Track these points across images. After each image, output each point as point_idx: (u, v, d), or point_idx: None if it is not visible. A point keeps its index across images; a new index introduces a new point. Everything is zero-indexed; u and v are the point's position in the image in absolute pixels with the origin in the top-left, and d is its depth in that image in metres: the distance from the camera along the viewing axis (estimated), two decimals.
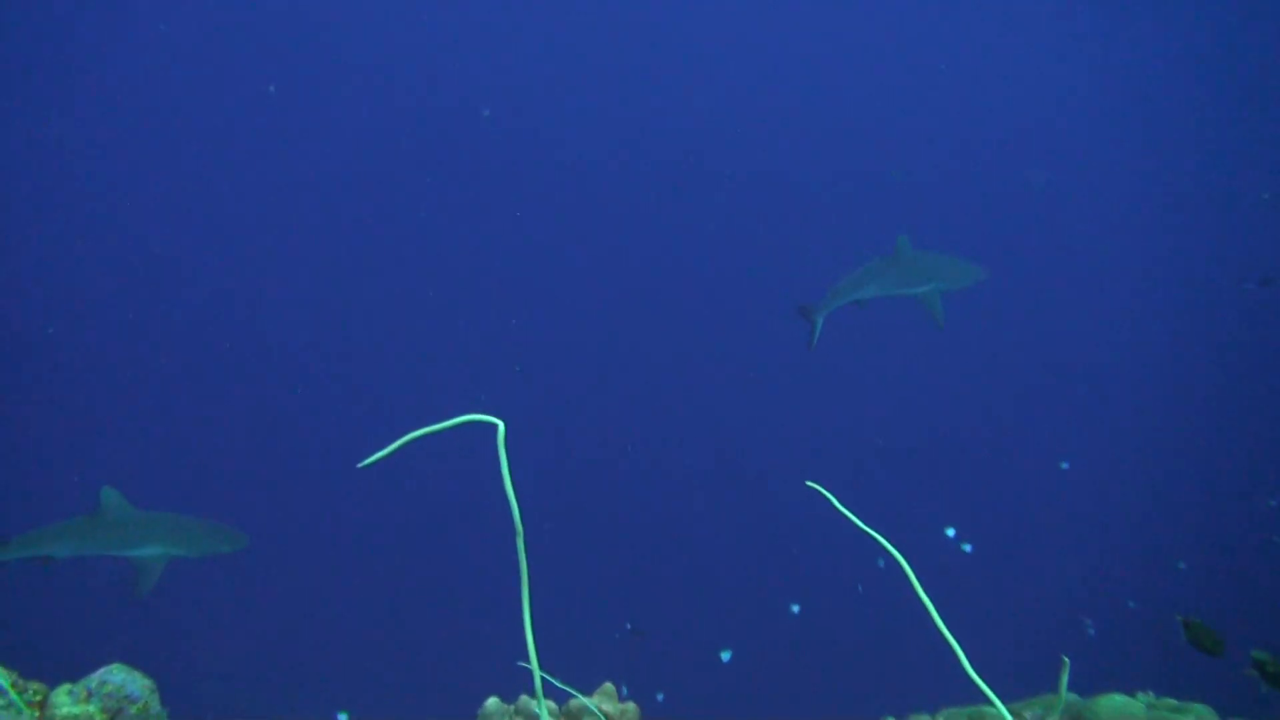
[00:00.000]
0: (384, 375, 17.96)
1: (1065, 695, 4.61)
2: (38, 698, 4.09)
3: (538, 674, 2.61)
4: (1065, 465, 12.44)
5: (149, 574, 8.41)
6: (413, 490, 15.17)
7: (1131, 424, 18.03)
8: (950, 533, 11.15)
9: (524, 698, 4.44)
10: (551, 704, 4.41)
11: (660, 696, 10.02)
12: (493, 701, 4.40)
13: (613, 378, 18.78)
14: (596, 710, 4.22)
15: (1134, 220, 21.35)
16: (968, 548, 11.08)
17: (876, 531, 2.67)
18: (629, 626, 12.44)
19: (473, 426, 2.44)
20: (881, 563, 11.77)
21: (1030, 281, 20.55)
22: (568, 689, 4.05)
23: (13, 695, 3.96)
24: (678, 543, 16.06)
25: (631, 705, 4.58)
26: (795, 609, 11.94)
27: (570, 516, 15.17)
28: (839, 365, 18.03)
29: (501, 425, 2.38)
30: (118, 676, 4.08)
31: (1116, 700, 4.62)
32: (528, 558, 2.39)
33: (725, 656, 10.75)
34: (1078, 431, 17.87)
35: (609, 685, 4.61)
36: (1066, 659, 2.73)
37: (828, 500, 2.78)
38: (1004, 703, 2.57)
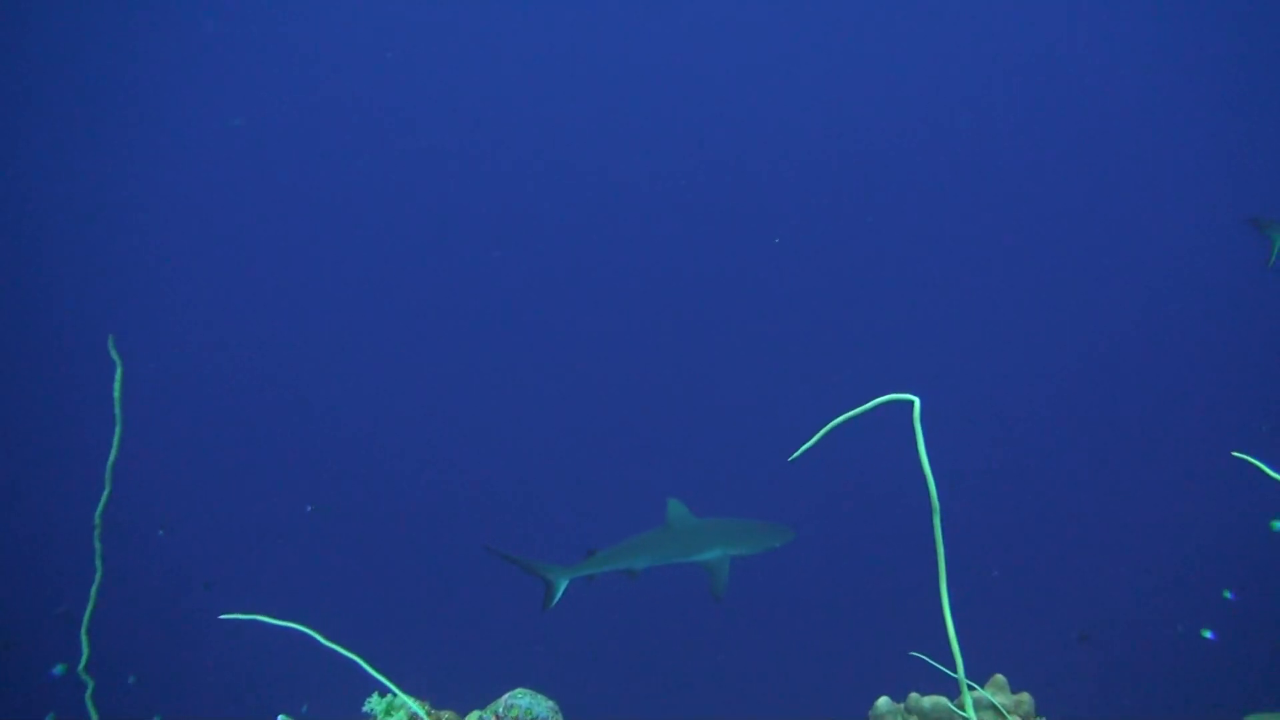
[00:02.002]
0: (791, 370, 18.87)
1: None
2: None
3: (961, 672, 2.51)
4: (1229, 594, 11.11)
5: (719, 575, 9.08)
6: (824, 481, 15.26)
7: None
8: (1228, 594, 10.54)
9: (913, 695, 4.31)
10: (943, 699, 4.26)
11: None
12: (883, 701, 4.31)
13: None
14: (995, 701, 4.04)
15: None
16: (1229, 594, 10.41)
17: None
18: (1079, 635, 12.06)
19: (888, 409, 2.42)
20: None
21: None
22: (971, 682, 3.91)
23: None
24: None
25: (1026, 696, 4.37)
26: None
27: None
28: None
29: (917, 401, 2.34)
30: (523, 700, 4.30)
31: None
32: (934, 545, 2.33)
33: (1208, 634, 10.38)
34: None
35: (1000, 677, 4.42)
36: None
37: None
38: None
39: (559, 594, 8.60)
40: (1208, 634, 10.06)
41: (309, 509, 16.75)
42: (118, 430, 4.55)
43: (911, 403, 2.47)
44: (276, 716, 4.38)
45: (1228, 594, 10.38)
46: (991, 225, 21.77)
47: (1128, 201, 21.27)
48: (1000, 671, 4.41)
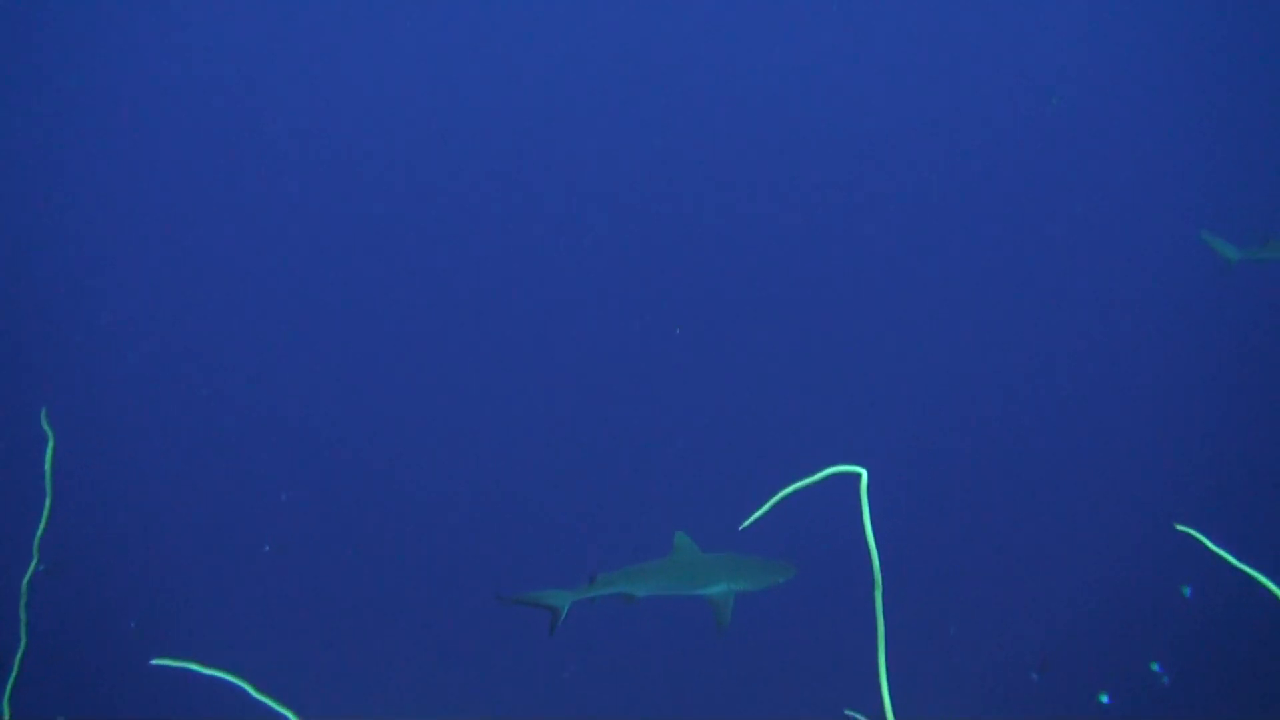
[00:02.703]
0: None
1: None
2: None
3: None
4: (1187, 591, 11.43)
5: (722, 610, 9.22)
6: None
7: None
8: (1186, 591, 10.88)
9: None
10: None
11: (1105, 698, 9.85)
12: None
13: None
14: None
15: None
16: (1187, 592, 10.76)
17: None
18: (1034, 675, 12.15)
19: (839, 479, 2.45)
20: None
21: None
22: None
23: None
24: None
25: None
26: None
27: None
28: None
29: (864, 474, 2.37)
30: None
31: None
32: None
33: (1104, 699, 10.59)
34: None
35: None
36: None
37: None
38: None
39: (563, 617, 8.81)
40: (1104, 698, 10.29)
41: (266, 548, 16.34)
42: (48, 502, 4.50)
43: (859, 475, 2.51)
44: None
45: (1155, 666, 10.60)
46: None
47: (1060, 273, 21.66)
48: None
